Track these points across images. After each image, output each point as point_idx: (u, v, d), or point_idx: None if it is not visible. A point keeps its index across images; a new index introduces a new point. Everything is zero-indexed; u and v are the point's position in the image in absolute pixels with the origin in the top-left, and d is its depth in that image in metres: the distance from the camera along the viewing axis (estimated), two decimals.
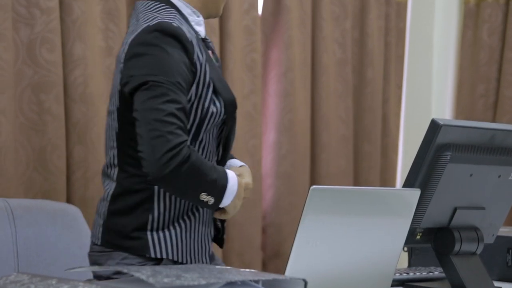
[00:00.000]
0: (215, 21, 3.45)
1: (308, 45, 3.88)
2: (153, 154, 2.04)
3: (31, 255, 2.50)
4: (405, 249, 2.51)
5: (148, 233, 2.18)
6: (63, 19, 2.91)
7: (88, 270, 2.22)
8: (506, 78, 4.54)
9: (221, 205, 2.18)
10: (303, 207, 1.68)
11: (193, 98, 2.16)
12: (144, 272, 1.43)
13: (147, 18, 2.16)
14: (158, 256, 2.18)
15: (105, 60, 3.06)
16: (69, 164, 2.94)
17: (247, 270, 1.58)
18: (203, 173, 2.11)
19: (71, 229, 2.61)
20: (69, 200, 2.94)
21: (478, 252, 2.11)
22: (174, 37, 2.12)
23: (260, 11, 3.73)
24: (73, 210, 2.66)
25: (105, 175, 2.27)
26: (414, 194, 1.86)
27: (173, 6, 2.23)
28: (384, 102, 4.34)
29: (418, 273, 2.27)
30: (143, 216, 2.19)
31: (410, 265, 2.57)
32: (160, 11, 2.19)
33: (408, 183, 1.98)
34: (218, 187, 2.14)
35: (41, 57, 2.81)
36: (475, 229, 2.11)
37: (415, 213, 1.87)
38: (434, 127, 1.95)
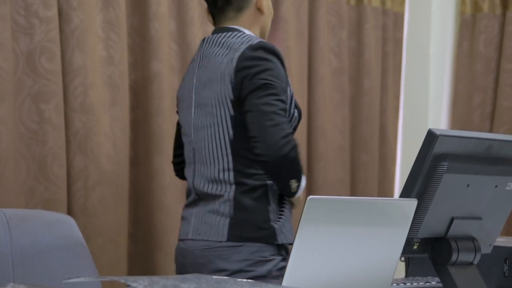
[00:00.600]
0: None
1: (305, 56, 3.89)
2: (270, 139, 2.45)
3: (27, 265, 2.49)
4: (402, 259, 2.50)
5: (272, 223, 2.55)
6: (62, 29, 2.92)
7: (85, 280, 2.22)
8: (502, 89, 4.55)
9: (296, 195, 2.59)
10: (300, 217, 1.67)
11: (287, 102, 2.56)
12: (141, 282, 1.42)
13: (243, 41, 2.55)
14: (283, 242, 2.57)
15: (106, 70, 3.06)
16: (70, 174, 2.94)
17: (244, 280, 1.57)
18: (299, 163, 2.53)
19: (66, 239, 2.60)
20: (69, 210, 2.94)
21: (475, 262, 2.11)
22: (275, 53, 2.54)
23: None
24: (68, 220, 2.65)
25: (218, 181, 2.58)
26: (411, 204, 1.86)
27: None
28: (382, 112, 4.34)
29: (415, 283, 2.27)
30: (265, 208, 2.56)
31: (407, 275, 2.57)
32: (248, 36, 2.58)
33: (405, 193, 1.98)
34: (301, 178, 2.55)
35: (40, 67, 2.81)
36: (472, 239, 2.11)
37: (412, 223, 1.87)
38: (431, 137, 1.95)
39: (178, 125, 2.82)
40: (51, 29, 2.83)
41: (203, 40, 2.68)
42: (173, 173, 2.98)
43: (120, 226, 3.10)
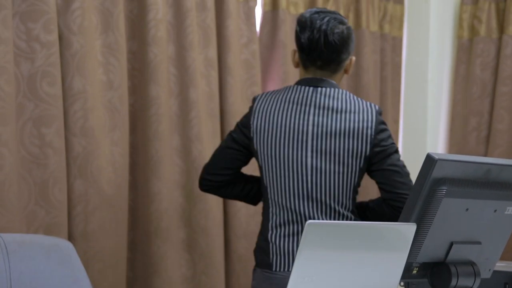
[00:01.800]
0: (214, 55, 3.47)
1: None
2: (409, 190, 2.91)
3: None
4: (402, 284, 2.49)
5: None
6: (62, 53, 2.92)
7: None
8: (498, 112, 4.56)
9: None
10: (299, 242, 1.67)
11: None
12: None
13: (367, 104, 2.96)
14: None
15: (106, 94, 3.07)
16: (70, 198, 2.94)
17: None
18: None
19: (65, 264, 2.59)
20: (70, 234, 2.93)
21: (475, 287, 2.10)
22: None
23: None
24: (66, 245, 2.65)
25: (339, 215, 2.94)
26: (410, 228, 1.86)
27: None
28: None
29: None
30: None
31: None
32: (362, 99, 2.99)
33: (404, 218, 1.98)
34: None
35: (41, 91, 2.82)
36: (472, 264, 2.10)
37: (411, 247, 1.87)
38: (430, 161, 1.95)
39: (231, 149, 3.03)
40: (52, 54, 2.83)
41: (303, 86, 2.96)
42: (170, 198, 2.98)
43: (119, 251, 3.09)
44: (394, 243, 1.84)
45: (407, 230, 1.85)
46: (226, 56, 3.54)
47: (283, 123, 2.92)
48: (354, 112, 2.91)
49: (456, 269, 2.05)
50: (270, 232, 2.94)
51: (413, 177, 2.02)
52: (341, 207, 2.94)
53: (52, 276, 2.55)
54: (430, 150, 4.53)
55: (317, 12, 2.96)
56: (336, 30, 2.93)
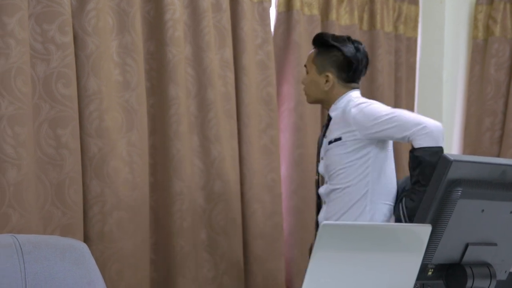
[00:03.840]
0: (229, 56, 3.47)
1: None
2: None
3: None
4: (417, 285, 2.48)
5: None
6: (77, 54, 2.93)
7: None
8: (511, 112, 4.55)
9: None
10: (314, 243, 1.67)
11: None
12: None
13: None
14: None
15: (123, 94, 3.07)
16: (86, 199, 2.94)
17: None
18: None
19: (79, 265, 2.60)
20: (86, 235, 2.94)
21: None
22: None
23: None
24: (81, 246, 2.65)
25: None
26: (426, 230, 1.85)
27: None
28: None
29: None
30: None
31: None
32: None
33: (419, 219, 1.97)
34: None
35: (57, 92, 2.82)
36: (487, 265, 2.09)
37: (426, 249, 1.86)
38: (445, 163, 1.95)
39: None
40: (67, 55, 2.84)
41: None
42: (191, 198, 3.01)
43: (141, 251, 3.09)
44: (409, 244, 1.83)
45: (422, 231, 1.85)
46: (241, 56, 3.54)
47: None
48: None
49: (472, 270, 2.04)
50: None
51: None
52: None
53: (67, 277, 2.56)
54: (446, 151, 4.51)
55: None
56: None
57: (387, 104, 4.26)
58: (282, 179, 3.76)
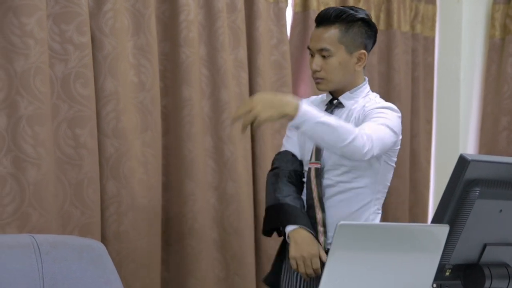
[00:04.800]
0: (244, 56, 3.47)
1: None
2: None
3: None
4: (434, 285, 2.48)
5: None
6: (95, 55, 2.94)
7: None
8: None
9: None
10: (331, 243, 1.67)
11: None
12: None
13: None
14: None
15: (137, 95, 3.08)
16: (103, 199, 2.95)
17: None
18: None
19: (96, 265, 2.61)
20: (103, 235, 2.95)
21: None
22: None
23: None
24: (98, 246, 2.66)
25: None
26: (443, 230, 1.85)
27: None
28: (413, 136, 4.32)
29: None
30: None
31: None
32: None
33: (436, 219, 1.97)
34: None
35: (75, 92, 2.83)
36: (506, 266, 2.09)
37: (444, 249, 1.86)
38: (462, 162, 1.94)
39: None
40: (85, 55, 2.85)
41: None
42: (203, 198, 2.99)
43: (152, 251, 3.10)
44: (427, 244, 1.83)
45: (440, 231, 1.84)
46: (256, 57, 3.54)
47: None
48: None
49: (490, 271, 2.04)
50: None
51: (446, 178, 2.01)
52: None
53: (84, 276, 2.57)
54: (462, 151, 4.50)
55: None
56: None
57: (405, 104, 4.27)
58: None
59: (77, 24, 2.84)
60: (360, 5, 4.05)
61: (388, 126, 2.69)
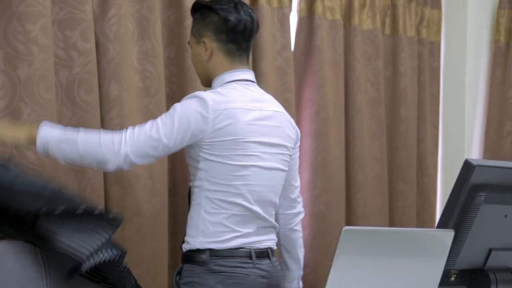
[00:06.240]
0: (249, 61, 3.47)
1: (341, 85, 3.88)
2: None
3: None
4: None
5: None
6: (99, 61, 2.94)
7: None
8: None
9: None
10: (336, 248, 1.67)
11: None
12: None
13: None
14: None
15: (143, 100, 3.07)
16: (107, 205, 2.95)
17: None
18: None
19: None
20: None
21: None
22: None
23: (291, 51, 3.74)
24: None
25: None
26: (448, 235, 1.85)
27: None
28: (420, 141, 4.31)
29: None
30: None
31: None
32: None
33: (442, 224, 1.97)
34: None
35: (79, 98, 2.84)
36: (511, 270, 2.08)
37: (449, 254, 1.86)
38: (468, 167, 1.94)
39: None
40: (89, 61, 2.85)
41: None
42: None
43: (159, 257, 3.09)
44: (432, 249, 1.83)
45: (445, 236, 1.84)
46: (260, 62, 3.53)
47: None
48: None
49: (495, 276, 2.03)
50: None
51: (452, 183, 2.00)
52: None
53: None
54: (467, 155, 4.49)
55: None
56: None
57: (411, 108, 4.26)
58: (304, 184, 3.75)
59: (82, 30, 2.84)
60: (366, 10, 4.05)
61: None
